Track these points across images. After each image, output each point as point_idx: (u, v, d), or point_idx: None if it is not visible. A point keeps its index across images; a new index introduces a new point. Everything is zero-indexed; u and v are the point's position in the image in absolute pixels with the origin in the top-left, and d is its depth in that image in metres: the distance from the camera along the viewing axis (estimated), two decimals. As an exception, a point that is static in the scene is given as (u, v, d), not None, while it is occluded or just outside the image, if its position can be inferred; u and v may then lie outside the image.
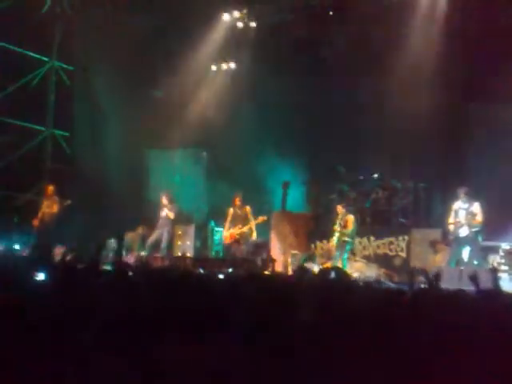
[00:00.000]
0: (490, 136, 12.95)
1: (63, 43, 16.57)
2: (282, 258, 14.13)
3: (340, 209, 12.85)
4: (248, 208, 13.66)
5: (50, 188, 14.37)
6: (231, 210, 13.76)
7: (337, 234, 12.61)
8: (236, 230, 13.65)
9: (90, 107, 17.10)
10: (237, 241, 13.74)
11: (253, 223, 13.54)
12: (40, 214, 14.13)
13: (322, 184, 15.28)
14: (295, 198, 15.71)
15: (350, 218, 12.65)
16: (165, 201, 14.54)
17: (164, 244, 14.47)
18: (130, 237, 15.57)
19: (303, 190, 15.84)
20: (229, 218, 13.79)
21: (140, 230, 15.82)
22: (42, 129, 16.47)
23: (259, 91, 15.48)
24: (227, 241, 14.06)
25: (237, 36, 16.02)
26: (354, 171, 14.82)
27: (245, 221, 13.59)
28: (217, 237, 15.89)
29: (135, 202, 16.21)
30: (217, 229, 15.90)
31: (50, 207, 14.09)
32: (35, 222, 14.09)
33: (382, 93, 13.78)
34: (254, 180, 15.86)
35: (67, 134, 16.85)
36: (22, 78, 15.84)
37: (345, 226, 12.55)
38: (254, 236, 13.69)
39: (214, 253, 15.74)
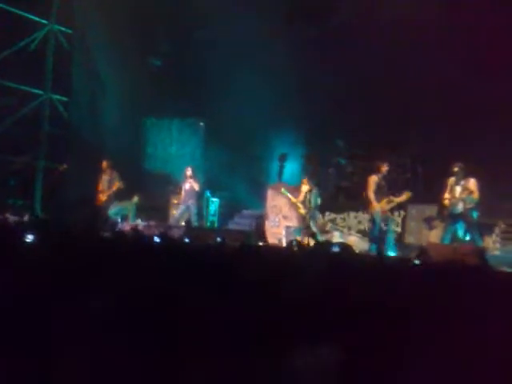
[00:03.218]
0: (489, 111, 12.82)
1: (62, 6, 16.39)
2: (276, 230, 14.12)
3: (305, 182, 13.20)
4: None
5: (106, 163, 14.43)
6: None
7: (302, 207, 13.03)
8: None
9: (89, 73, 16.95)
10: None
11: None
12: (100, 190, 14.39)
13: (320, 158, 15.18)
14: (292, 171, 15.65)
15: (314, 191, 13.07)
16: (189, 173, 14.63)
17: (194, 216, 14.61)
18: (125, 205, 15.53)
19: (300, 163, 15.77)
20: None
21: (135, 199, 15.76)
22: (40, 92, 16.33)
23: (258, 62, 15.29)
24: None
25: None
26: (352, 145, 14.72)
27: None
28: (212, 207, 15.87)
29: (131, 171, 16.14)
30: (212, 199, 15.89)
31: (110, 183, 14.32)
32: (101, 197, 14.37)
33: (385, 67, 13.62)
34: (252, 152, 15.77)
35: (65, 98, 16.72)
36: (20, 41, 15.68)
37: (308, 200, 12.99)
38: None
39: (209, 223, 15.74)
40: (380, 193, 11.66)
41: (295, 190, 14.77)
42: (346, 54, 14.11)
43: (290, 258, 6.76)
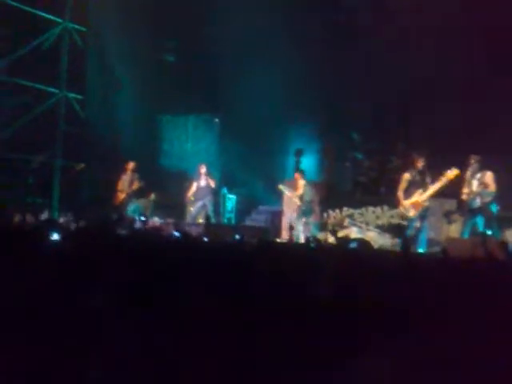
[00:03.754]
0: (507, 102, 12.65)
1: (76, 4, 16.41)
2: (293, 226, 14.06)
3: (298, 177, 13.54)
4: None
5: (131, 164, 14.58)
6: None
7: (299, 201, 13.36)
8: None
9: (103, 71, 16.97)
10: None
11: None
12: (120, 189, 14.59)
13: (337, 152, 15.10)
14: (309, 165, 15.56)
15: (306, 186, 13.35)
16: (203, 170, 14.67)
17: (210, 213, 14.60)
18: (142, 203, 15.57)
19: (317, 157, 15.68)
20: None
21: (152, 197, 15.79)
22: (56, 91, 16.37)
23: (272, 56, 15.20)
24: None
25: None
26: (369, 139, 14.61)
27: None
28: (229, 204, 15.85)
29: (147, 168, 16.15)
30: (229, 195, 15.86)
31: (131, 183, 14.52)
32: (119, 197, 14.56)
33: (399, 60, 13.49)
34: (267, 147, 15.71)
35: (81, 96, 16.75)
36: (35, 40, 15.72)
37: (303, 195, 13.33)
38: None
39: (226, 220, 15.72)
40: (415, 188, 11.28)
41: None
42: (360, 45, 14.01)
43: (308, 255, 6.75)
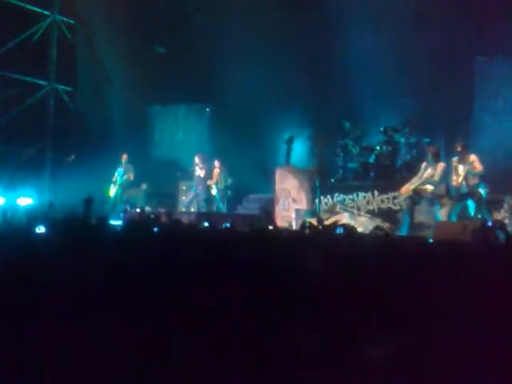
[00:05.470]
0: (493, 88, 12.77)
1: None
2: (285, 213, 14.13)
3: (217, 165, 14.93)
4: None
5: (124, 156, 15.05)
6: None
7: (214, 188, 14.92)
8: None
9: (93, 62, 16.94)
10: None
11: None
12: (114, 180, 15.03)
13: (327, 139, 15.13)
14: (300, 152, 15.61)
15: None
16: (197, 160, 14.95)
17: (202, 202, 15.12)
18: (134, 193, 15.65)
19: (308, 144, 15.72)
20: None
21: (144, 187, 15.85)
22: (45, 83, 16.34)
23: (261, 46, 15.21)
24: None
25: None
26: (358, 126, 14.67)
27: None
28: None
29: (138, 158, 16.18)
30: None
31: (126, 175, 15.02)
32: (113, 188, 15.07)
33: (388, 46, 13.57)
34: (259, 135, 15.74)
35: (70, 88, 16.73)
36: (23, 33, 15.68)
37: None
38: None
39: (217, 208, 15.77)
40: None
41: (303, 172, 14.76)
42: (349, 35, 14.05)
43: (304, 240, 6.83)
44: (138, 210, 14.36)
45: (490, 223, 8.57)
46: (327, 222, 11.42)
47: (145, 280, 3.09)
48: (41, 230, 5.83)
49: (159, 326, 2.58)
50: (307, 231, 8.32)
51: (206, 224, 9.68)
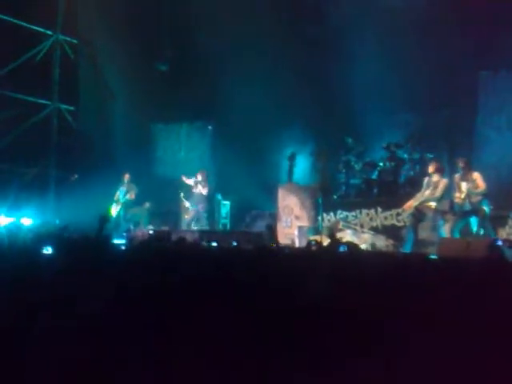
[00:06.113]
0: (497, 103, 12.78)
1: (67, 17, 16.48)
2: (288, 230, 14.10)
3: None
4: None
5: (127, 175, 15.06)
6: None
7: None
8: None
9: (95, 81, 17.03)
10: None
11: None
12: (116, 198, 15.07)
13: (329, 155, 15.13)
14: (302, 169, 15.62)
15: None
16: (199, 178, 14.95)
17: (204, 220, 15.09)
18: (137, 211, 15.62)
19: (310, 160, 15.72)
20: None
21: (147, 205, 15.83)
22: (48, 103, 16.41)
23: (263, 62, 15.28)
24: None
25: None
26: (361, 141, 14.67)
27: None
28: (223, 210, 15.89)
29: (142, 177, 16.20)
30: (223, 202, 15.90)
31: (128, 194, 15.05)
32: (115, 207, 15.06)
33: (391, 61, 13.59)
34: (261, 152, 15.76)
35: (73, 108, 16.80)
36: (27, 53, 15.77)
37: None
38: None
39: (221, 226, 15.76)
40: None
41: (305, 189, 14.73)
42: (351, 50, 14.10)
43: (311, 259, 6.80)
44: (149, 231, 14.37)
45: (499, 242, 8.56)
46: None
47: (159, 303, 3.09)
48: (48, 251, 5.78)
49: (165, 345, 2.59)
50: (313, 248, 8.32)
51: (215, 244, 9.55)
